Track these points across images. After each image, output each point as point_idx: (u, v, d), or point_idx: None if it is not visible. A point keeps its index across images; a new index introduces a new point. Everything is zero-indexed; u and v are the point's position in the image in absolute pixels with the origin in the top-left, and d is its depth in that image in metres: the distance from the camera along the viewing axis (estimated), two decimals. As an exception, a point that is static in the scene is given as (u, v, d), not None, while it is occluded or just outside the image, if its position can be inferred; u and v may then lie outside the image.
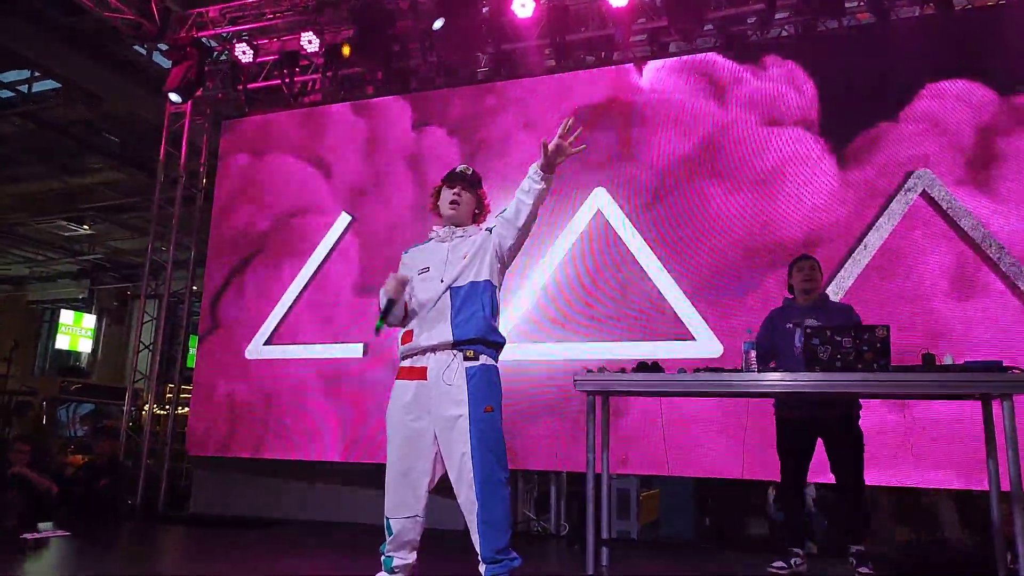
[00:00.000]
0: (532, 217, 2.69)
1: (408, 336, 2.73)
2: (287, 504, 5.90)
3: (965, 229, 4.48)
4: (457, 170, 2.87)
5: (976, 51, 4.72)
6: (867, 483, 3.76)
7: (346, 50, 6.11)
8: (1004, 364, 3.10)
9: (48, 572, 3.67)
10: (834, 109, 4.94)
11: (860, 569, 3.56)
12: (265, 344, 6.06)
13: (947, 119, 4.69)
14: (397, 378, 2.76)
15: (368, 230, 5.97)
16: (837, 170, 4.86)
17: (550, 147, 2.56)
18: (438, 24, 5.75)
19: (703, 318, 4.83)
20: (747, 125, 5.13)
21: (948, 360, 3.23)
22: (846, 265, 4.67)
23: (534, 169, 2.62)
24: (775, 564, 3.70)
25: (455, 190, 2.80)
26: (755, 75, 5.17)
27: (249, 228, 6.42)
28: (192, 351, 7.01)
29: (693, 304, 4.89)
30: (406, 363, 2.73)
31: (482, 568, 2.53)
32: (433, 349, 2.66)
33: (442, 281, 2.71)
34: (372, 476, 5.42)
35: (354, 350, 5.71)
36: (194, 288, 7.28)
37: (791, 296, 3.98)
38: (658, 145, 5.28)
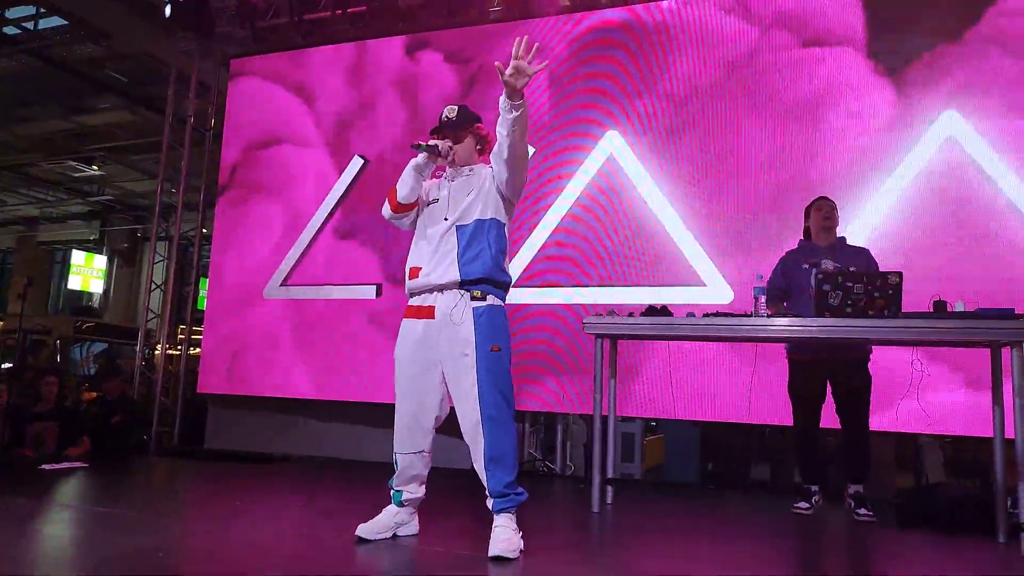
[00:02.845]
0: (515, 148, 2.59)
1: (415, 272, 2.74)
2: (299, 441, 6.02)
3: (992, 175, 4.33)
4: (442, 118, 2.81)
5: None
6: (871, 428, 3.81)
7: None
8: (1016, 312, 3.09)
9: (71, 502, 3.78)
10: (886, 27, 4.60)
11: (858, 511, 3.62)
12: (271, 283, 6.11)
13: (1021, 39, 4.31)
14: (404, 316, 2.78)
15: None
16: (893, 96, 4.55)
17: (507, 73, 2.47)
18: None
19: (715, 265, 4.81)
20: (782, 47, 4.82)
21: (960, 307, 3.22)
22: (870, 204, 4.52)
23: (502, 100, 2.54)
24: (799, 504, 3.77)
25: (446, 143, 2.78)
26: None
27: (238, 160, 6.41)
28: (203, 293, 7.06)
29: (709, 251, 4.83)
30: (414, 301, 2.75)
31: (490, 503, 2.59)
32: (441, 288, 2.67)
33: (446, 219, 2.71)
34: (384, 415, 5.52)
35: (363, 291, 5.74)
36: (204, 230, 7.29)
37: (805, 240, 3.97)
38: (678, 73, 5.06)
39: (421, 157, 2.75)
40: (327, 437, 5.96)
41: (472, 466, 2.62)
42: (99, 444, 5.38)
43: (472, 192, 2.72)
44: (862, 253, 3.83)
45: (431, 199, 2.81)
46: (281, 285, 6.08)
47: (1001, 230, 4.30)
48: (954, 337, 3.19)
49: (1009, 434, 3.14)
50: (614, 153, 5.18)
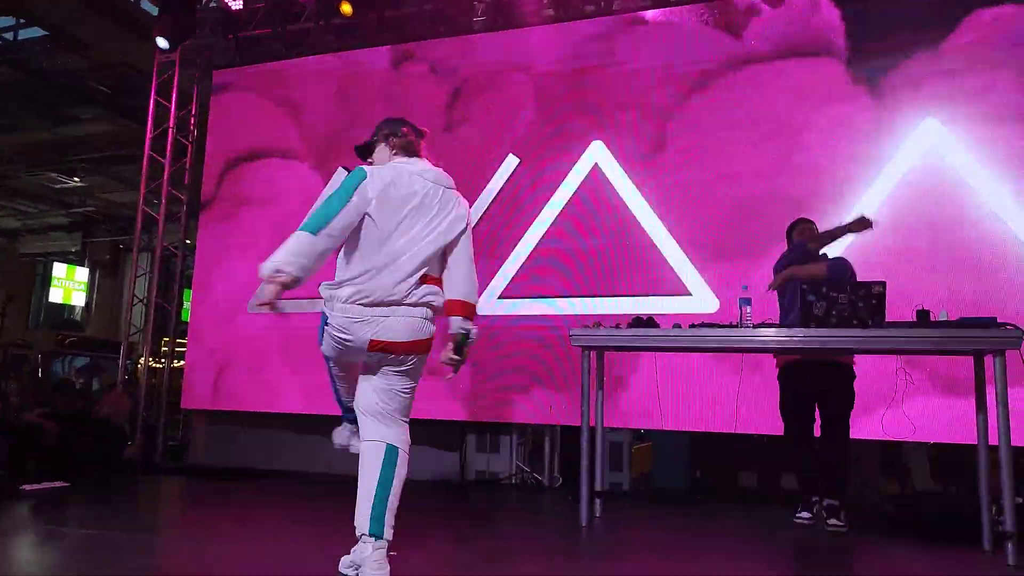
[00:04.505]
0: None
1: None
2: (287, 456, 5.94)
3: (973, 184, 4.36)
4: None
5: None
6: (855, 436, 3.81)
7: (346, 8, 5.97)
8: (998, 320, 3.12)
9: (52, 523, 3.71)
10: (864, 37, 4.67)
11: (830, 521, 3.61)
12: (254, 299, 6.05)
13: (1002, 51, 4.36)
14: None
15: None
16: (871, 106, 4.61)
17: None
18: None
19: (700, 274, 4.82)
20: (763, 58, 4.88)
21: (943, 316, 3.24)
22: (851, 214, 4.50)
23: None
24: (801, 515, 3.76)
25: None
26: (772, 5, 4.93)
27: (222, 172, 6.37)
28: (186, 304, 7.00)
29: (694, 260, 4.85)
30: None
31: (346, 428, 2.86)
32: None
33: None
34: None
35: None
36: (187, 241, 7.23)
37: None
38: (662, 87, 5.10)
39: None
40: (316, 451, 5.87)
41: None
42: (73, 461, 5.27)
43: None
44: (841, 262, 3.87)
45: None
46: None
47: (984, 238, 4.34)
48: (938, 346, 3.21)
49: (993, 441, 3.15)
50: (599, 163, 5.18)
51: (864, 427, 4.02)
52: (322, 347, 2.55)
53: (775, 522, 3.83)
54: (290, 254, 2.32)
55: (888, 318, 3.21)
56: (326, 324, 2.48)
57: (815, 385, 3.76)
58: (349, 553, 2.45)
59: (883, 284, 3.23)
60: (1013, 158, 4.36)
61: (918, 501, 4.14)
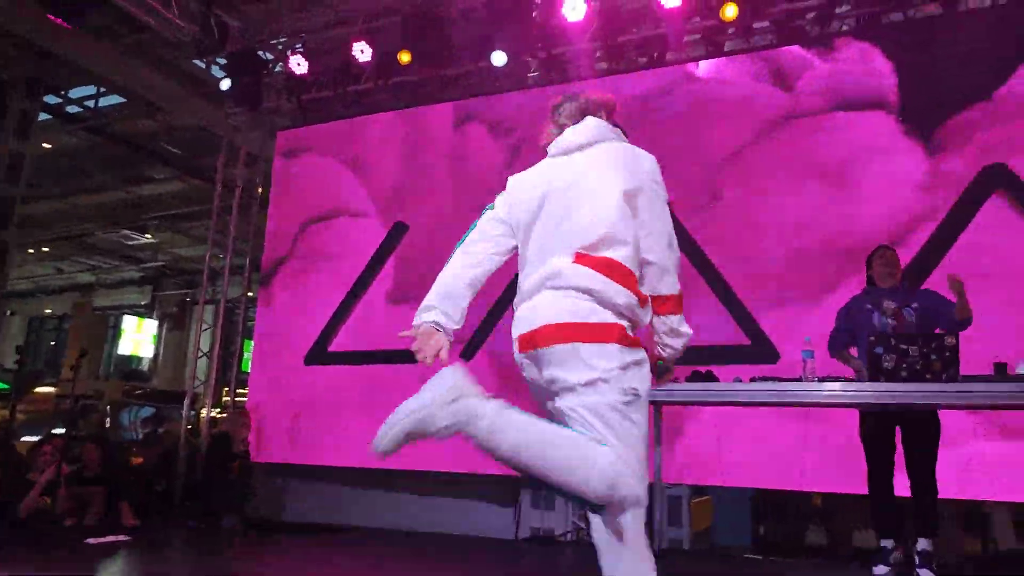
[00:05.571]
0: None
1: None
2: (341, 509, 5.93)
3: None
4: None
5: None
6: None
7: (404, 57, 6.15)
8: (1084, 374, 2.96)
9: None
10: (917, 90, 4.59)
11: (920, 570, 3.41)
12: (313, 352, 6.16)
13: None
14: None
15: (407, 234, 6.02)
16: (925, 158, 4.51)
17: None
18: (499, 60, 5.80)
19: (760, 325, 4.71)
20: (816, 111, 4.84)
21: (1022, 370, 3.09)
22: (913, 264, 4.38)
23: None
24: (877, 569, 3.59)
25: None
26: (823, 59, 4.90)
27: (294, 232, 6.54)
28: (247, 355, 7.18)
29: (751, 310, 4.76)
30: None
31: None
32: None
33: None
34: (420, 483, 5.40)
35: (392, 357, 5.63)
36: (249, 294, 7.45)
37: (869, 286, 3.89)
38: (715, 139, 5.08)
39: None
40: (367, 505, 5.87)
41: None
42: (145, 513, 5.38)
43: None
44: (925, 292, 3.76)
45: None
46: (313, 353, 6.10)
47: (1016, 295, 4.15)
48: (1017, 401, 3.05)
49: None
50: (653, 214, 5.16)
51: (941, 484, 3.82)
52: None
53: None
54: None
55: (963, 371, 3.08)
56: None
57: (894, 428, 3.61)
58: None
59: (956, 336, 3.11)
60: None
61: (1001, 562, 3.89)
